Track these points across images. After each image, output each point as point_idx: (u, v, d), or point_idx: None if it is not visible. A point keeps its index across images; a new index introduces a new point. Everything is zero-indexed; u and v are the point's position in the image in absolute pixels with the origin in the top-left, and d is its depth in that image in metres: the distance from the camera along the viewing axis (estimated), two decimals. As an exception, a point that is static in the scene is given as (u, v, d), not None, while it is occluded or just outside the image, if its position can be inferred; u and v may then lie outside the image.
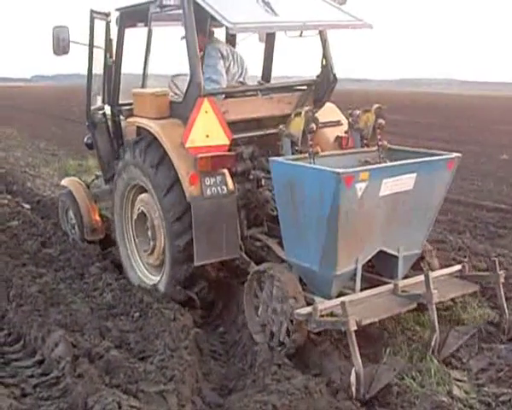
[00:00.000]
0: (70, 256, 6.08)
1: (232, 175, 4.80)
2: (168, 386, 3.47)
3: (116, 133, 5.87)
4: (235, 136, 4.86)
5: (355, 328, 3.61)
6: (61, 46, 5.61)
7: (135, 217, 5.36)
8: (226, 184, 4.67)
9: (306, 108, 4.61)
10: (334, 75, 5.31)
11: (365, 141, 4.89)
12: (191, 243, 4.56)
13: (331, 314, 3.90)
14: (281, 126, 4.67)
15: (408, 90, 50.08)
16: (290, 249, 4.29)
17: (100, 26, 5.91)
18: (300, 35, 4.87)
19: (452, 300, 4.63)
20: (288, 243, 4.30)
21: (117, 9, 5.62)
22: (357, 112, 4.87)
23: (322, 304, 3.95)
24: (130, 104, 5.53)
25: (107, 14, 5.87)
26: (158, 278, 5.14)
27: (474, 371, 3.88)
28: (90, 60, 6.02)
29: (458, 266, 4.63)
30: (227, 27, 4.35)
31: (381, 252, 4.24)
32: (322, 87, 5.33)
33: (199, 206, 4.56)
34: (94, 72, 6.09)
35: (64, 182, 7.00)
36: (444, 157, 4.37)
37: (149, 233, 5.11)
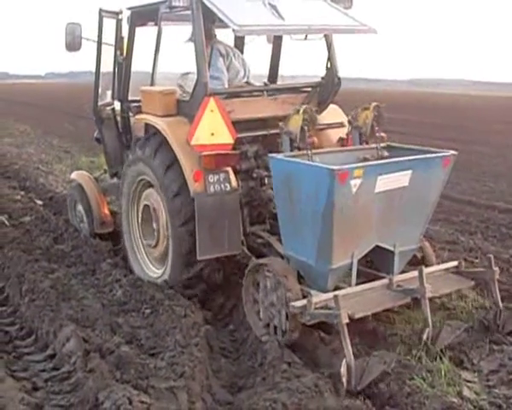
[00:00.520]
0: (82, 252, 6.13)
1: (236, 173, 4.88)
2: (178, 382, 3.48)
3: (125, 129, 5.94)
4: (240, 135, 4.94)
5: (347, 321, 3.65)
6: (73, 42, 5.74)
7: (141, 211, 5.44)
8: (229, 182, 4.75)
9: (305, 106, 4.66)
10: (339, 78, 5.37)
11: (364, 138, 4.95)
12: (194, 248, 4.63)
13: (326, 307, 3.93)
14: (280, 124, 4.73)
15: (419, 91, 49.80)
16: (288, 243, 4.35)
17: (109, 24, 5.97)
18: (305, 38, 4.93)
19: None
20: (285, 237, 4.36)
21: (128, 8, 5.69)
22: (357, 110, 4.93)
23: (317, 297, 3.99)
24: (138, 101, 5.58)
25: (118, 13, 5.93)
26: (161, 272, 5.23)
27: (484, 372, 3.87)
28: (99, 57, 6.13)
29: (454, 263, 4.66)
30: (233, 29, 4.39)
31: (377, 247, 4.27)
32: (327, 89, 5.40)
33: (202, 202, 4.64)
34: (102, 69, 6.18)
35: (73, 175, 7.09)
36: (439, 155, 4.39)
37: (155, 229, 5.19)
